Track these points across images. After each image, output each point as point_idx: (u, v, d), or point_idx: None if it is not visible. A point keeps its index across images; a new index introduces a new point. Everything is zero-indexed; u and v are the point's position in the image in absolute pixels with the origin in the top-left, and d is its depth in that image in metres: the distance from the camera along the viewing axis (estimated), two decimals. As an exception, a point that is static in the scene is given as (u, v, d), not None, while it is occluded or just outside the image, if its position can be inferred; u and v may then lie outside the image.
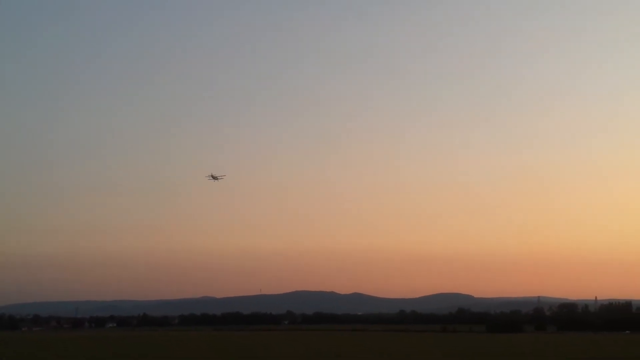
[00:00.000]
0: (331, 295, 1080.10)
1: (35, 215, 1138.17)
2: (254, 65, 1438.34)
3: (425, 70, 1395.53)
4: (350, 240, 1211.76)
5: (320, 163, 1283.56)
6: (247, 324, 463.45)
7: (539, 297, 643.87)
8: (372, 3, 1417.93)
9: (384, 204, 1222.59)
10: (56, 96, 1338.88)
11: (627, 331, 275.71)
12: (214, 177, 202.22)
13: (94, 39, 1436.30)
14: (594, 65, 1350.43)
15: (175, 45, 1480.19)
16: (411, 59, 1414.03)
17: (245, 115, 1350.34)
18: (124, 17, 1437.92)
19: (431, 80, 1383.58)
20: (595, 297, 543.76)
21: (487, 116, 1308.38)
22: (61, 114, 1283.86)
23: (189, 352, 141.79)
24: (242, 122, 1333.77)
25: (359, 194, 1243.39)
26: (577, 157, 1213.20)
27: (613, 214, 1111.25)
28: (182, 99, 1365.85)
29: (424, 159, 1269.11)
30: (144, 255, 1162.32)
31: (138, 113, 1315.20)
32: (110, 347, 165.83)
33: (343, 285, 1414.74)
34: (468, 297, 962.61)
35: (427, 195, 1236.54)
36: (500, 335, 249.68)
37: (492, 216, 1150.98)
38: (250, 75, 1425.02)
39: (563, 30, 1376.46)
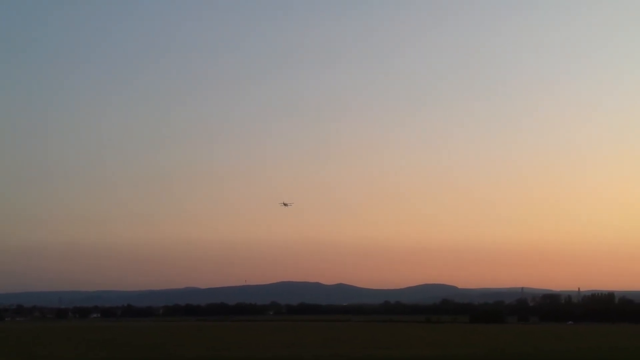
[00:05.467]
0: (316, 286, 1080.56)
1: (19, 204, 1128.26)
2: (251, 62, 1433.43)
3: (419, 66, 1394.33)
4: (335, 231, 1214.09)
5: (306, 155, 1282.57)
6: (231, 314, 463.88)
7: (522, 288, 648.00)
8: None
9: (369, 195, 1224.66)
10: (56, 92, 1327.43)
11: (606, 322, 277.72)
12: (285, 204, 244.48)
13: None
14: (583, 61, 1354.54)
15: (171, 40, 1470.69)
16: (406, 52, 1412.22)
17: (238, 109, 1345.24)
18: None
19: (425, 75, 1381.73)
20: (579, 288, 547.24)
21: (473, 109, 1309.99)
22: (57, 108, 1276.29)
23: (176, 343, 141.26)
24: (234, 116, 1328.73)
25: (345, 184, 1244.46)
26: (561, 150, 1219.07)
27: (597, 205, 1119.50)
28: (178, 96, 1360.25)
29: (410, 151, 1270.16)
30: (129, 245, 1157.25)
31: (130, 107, 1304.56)
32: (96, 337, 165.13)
33: (328, 276, 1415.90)
34: (452, 288, 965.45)
35: (413, 187, 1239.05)
36: (483, 325, 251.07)
37: (476, 207, 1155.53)
38: (242, 69, 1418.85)
39: (554, 27, 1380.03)
